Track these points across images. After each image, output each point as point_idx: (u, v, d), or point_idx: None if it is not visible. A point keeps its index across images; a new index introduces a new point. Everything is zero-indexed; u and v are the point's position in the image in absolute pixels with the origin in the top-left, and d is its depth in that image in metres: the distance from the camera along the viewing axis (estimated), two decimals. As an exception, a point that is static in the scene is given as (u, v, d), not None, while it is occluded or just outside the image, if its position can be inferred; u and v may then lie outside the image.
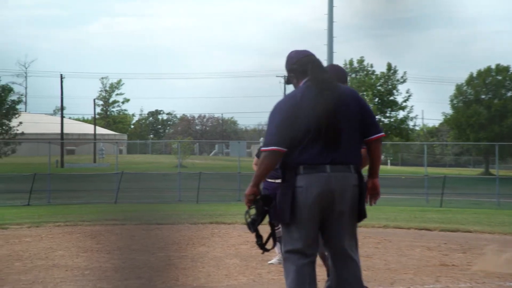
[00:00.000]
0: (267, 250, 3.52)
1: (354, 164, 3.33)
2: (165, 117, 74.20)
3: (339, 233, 3.32)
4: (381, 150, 3.46)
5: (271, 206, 3.39)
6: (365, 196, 3.39)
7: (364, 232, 9.40)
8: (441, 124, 54.18)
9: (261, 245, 3.50)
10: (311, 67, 3.35)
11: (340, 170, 3.28)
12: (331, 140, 3.26)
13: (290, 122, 3.26)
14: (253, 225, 3.41)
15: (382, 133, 3.40)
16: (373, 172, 3.43)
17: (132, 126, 72.42)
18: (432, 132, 61.49)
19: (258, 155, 4.12)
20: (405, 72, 39.90)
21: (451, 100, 44.06)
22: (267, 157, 3.27)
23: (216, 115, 66.32)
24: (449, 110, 44.27)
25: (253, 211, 3.44)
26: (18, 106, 29.29)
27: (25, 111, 60.97)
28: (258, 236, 3.47)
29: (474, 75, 43.58)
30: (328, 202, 3.28)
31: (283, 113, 3.27)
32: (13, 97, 29.03)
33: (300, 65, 3.37)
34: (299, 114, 3.26)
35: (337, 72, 3.83)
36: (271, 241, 3.54)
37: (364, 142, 3.40)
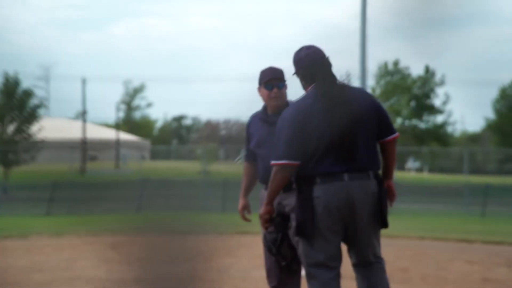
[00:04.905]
0: (294, 271, 3.48)
1: (373, 170, 3.33)
2: (189, 122, 74.86)
3: (362, 243, 3.32)
4: (395, 151, 3.45)
5: (289, 223, 3.37)
6: (386, 203, 3.38)
7: (399, 244, 9.27)
8: (483, 130, 53.35)
9: (287, 266, 3.43)
10: (320, 79, 3.31)
11: (358, 178, 3.27)
12: (345, 151, 3.27)
13: (301, 134, 3.25)
14: (274, 245, 3.36)
15: (397, 134, 3.41)
16: (387, 174, 3.45)
17: (156, 132, 73.23)
18: (473, 138, 60.57)
19: (248, 157, 4.03)
20: (443, 74, 39.47)
21: (494, 104, 43.34)
22: (279, 171, 3.27)
23: (242, 120, 66.47)
24: (491, 115, 43.59)
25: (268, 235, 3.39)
26: (39, 111, 29.80)
27: (49, 115, 62.14)
28: (283, 257, 3.41)
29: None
30: (349, 211, 3.27)
31: (294, 125, 3.26)
32: (35, 101, 29.55)
33: (309, 72, 3.34)
34: (310, 127, 3.26)
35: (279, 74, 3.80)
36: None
37: (379, 144, 3.40)
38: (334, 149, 3.25)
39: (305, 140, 3.25)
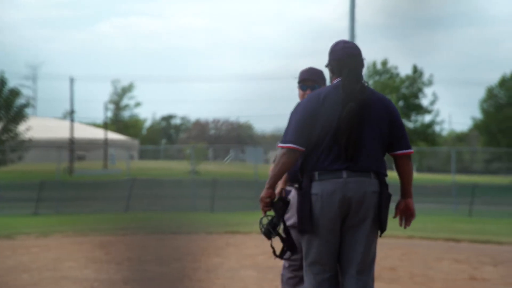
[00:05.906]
0: (296, 253, 3.40)
1: (375, 171, 3.27)
2: (178, 121, 74.61)
3: (351, 246, 3.24)
4: (411, 168, 3.34)
5: (288, 211, 3.33)
6: (387, 206, 3.30)
7: (388, 243, 9.32)
8: (470, 130, 53.71)
9: (289, 246, 3.33)
10: (346, 74, 3.29)
11: (358, 176, 3.22)
12: (348, 150, 3.23)
13: (310, 122, 3.24)
14: (274, 230, 3.29)
15: (410, 150, 3.33)
16: (404, 192, 3.35)
17: (145, 131, 72.95)
18: (460, 138, 60.96)
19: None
20: (431, 74, 39.72)
21: (481, 104, 43.60)
22: (284, 155, 3.24)
23: (231, 119, 66.33)
24: (479, 115, 43.85)
25: (265, 219, 3.34)
26: (26, 110, 29.60)
27: (36, 115, 61.67)
28: (282, 239, 3.34)
29: (508, 76, 43.03)
30: (345, 210, 3.22)
31: (305, 112, 3.26)
32: (22, 100, 29.32)
33: (339, 65, 3.33)
34: (319, 116, 3.25)
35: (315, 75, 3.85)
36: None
37: (392, 157, 3.36)
38: (338, 145, 3.22)
39: (312, 128, 3.24)
